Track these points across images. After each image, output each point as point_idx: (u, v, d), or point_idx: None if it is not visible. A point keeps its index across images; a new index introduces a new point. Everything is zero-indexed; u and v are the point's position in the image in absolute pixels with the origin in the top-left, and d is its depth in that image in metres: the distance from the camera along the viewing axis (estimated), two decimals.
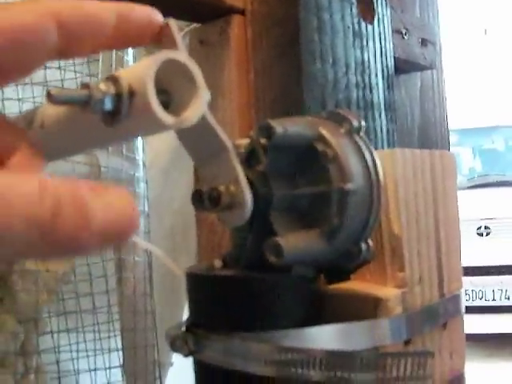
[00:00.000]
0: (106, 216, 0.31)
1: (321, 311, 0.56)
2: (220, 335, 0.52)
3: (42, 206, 0.29)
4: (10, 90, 1.23)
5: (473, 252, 4.85)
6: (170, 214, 1.41)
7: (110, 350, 1.31)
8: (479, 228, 5.33)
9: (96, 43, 0.39)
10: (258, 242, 0.51)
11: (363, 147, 0.52)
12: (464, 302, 0.70)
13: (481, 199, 5.50)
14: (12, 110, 1.23)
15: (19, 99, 1.23)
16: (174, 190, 1.39)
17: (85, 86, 0.39)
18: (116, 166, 1.28)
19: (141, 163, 1.34)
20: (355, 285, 0.59)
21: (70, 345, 1.29)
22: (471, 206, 5.13)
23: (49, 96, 0.39)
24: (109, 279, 1.31)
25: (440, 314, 0.64)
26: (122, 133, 0.42)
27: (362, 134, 0.53)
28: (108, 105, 0.39)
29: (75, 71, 1.32)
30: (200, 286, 0.55)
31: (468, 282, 4.82)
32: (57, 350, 1.26)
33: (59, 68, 1.31)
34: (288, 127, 0.49)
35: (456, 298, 0.67)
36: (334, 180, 0.50)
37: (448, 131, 1.19)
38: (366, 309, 0.57)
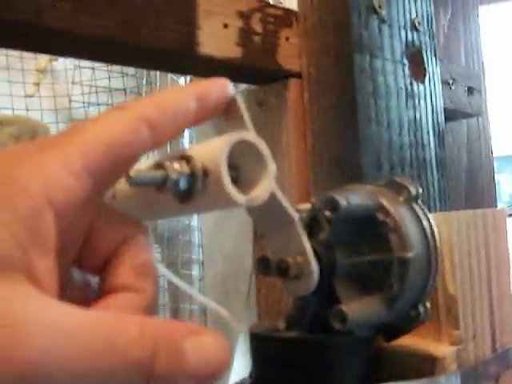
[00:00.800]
0: (201, 360, 0.32)
1: (380, 368, 0.58)
2: None
3: (143, 349, 0.30)
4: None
5: None
6: (221, 260, 1.43)
7: None
8: None
9: (181, 127, 0.40)
10: (321, 307, 0.53)
11: (421, 215, 0.54)
12: None
13: None
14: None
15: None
16: (225, 237, 1.41)
17: (159, 165, 0.41)
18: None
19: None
20: (412, 341, 0.60)
21: None
22: None
23: (128, 178, 0.41)
24: None
25: (492, 368, 0.65)
26: (193, 209, 0.44)
27: (419, 201, 0.55)
28: (183, 184, 0.41)
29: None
30: (265, 346, 0.57)
31: None
32: None
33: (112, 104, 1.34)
34: (351, 199, 0.51)
35: (508, 352, 0.69)
36: (394, 249, 0.52)
37: (494, 176, 1.20)
38: (423, 366, 0.59)
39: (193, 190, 0.41)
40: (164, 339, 0.31)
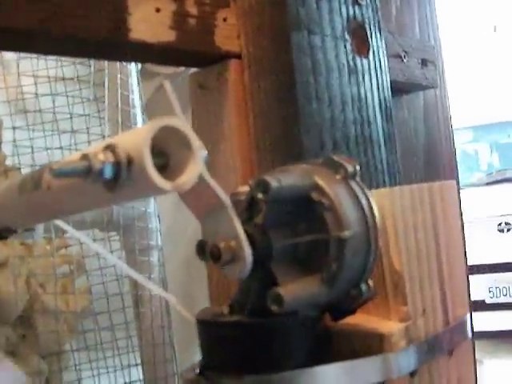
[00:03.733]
0: None
1: (328, 347, 0.57)
2: (231, 379, 0.54)
3: None
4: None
5: (495, 249, 4.81)
6: (183, 245, 1.42)
7: (131, 381, 1.33)
8: (500, 224, 5.26)
9: None
10: (261, 290, 0.53)
11: (359, 193, 0.54)
12: (469, 326, 0.71)
13: (500, 195, 5.44)
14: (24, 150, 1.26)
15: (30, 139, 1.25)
16: (186, 222, 1.40)
17: (84, 156, 0.41)
18: (127, 203, 1.30)
19: (151, 199, 1.36)
20: (359, 320, 0.60)
21: (93, 376, 1.31)
22: (491, 203, 5.10)
23: (51, 171, 0.40)
24: (127, 311, 1.33)
25: (445, 342, 0.65)
26: (122, 197, 0.44)
27: (357, 178, 0.54)
28: (108, 173, 0.41)
29: (81, 96, 1.35)
30: (209, 331, 0.57)
31: (492, 280, 4.77)
32: (81, 382, 1.28)
33: (66, 94, 1.34)
34: (283, 180, 0.51)
35: (462, 324, 0.69)
36: (330, 228, 0.52)
37: (454, 149, 1.20)
38: (371, 344, 0.59)
39: (118, 178, 0.41)
40: None
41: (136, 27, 0.66)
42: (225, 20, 0.74)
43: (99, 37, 0.64)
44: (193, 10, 0.71)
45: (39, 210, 0.57)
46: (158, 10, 0.68)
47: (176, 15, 0.69)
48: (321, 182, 0.53)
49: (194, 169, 0.43)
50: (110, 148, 0.41)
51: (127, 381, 1.33)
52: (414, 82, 1.04)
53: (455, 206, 0.71)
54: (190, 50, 0.72)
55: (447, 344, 0.66)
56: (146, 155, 0.40)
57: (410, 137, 1.08)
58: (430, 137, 1.13)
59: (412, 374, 0.60)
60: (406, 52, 1.00)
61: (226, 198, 0.49)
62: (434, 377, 0.63)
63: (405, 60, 1.00)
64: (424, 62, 1.05)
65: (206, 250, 0.52)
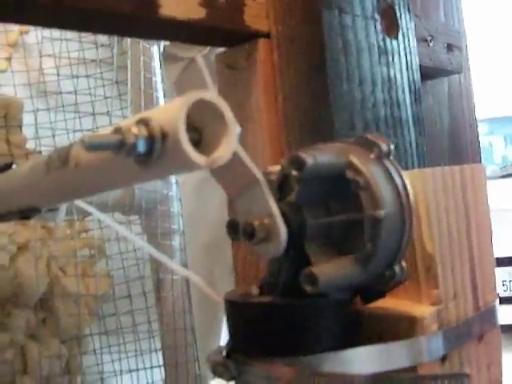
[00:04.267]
0: None
1: (358, 331, 0.57)
2: (260, 361, 0.53)
3: None
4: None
5: (509, 242, 4.78)
6: (204, 229, 1.42)
7: (152, 366, 1.33)
8: None
9: None
10: (293, 271, 0.52)
11: (393, 172, 0.53)
12: (498, 313, 0.70)
13: None
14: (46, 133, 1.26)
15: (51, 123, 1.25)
16: (206, 206, 1.40)
17: (117, 130, 0.40)
18: (149, 186, 1.29)
19: (173, 182, 1.36)
20: (390, 303, 0.59)
21: (112, 361, 1.31)
22: (505, 196, 5.07)
23: (82, 143, 0.40)
24: (147, 296, 1.33)
25: (475, 327, 0.65)
26: (154, 172, 0.43)
27: (391, 157, 0.53)
28: (141, 148, 0.40)
29: (103, 78, 1.34)
30: (238, 312, 0.56)
31: (505, 273, 4.75)
32: (100, 367, 1.28)
33: (87, 76, 1.33)
34: (318, 158, 0.50)
35: (491, 311, 0.68)
36: (365, 207, 0.51)
37: (478, 134, 1.19)
38: (402, 327, 0.58)
39: (152, 153, 0.40)
40: None
41: (166, 3, 0.65)
42: None
43: (128, 12, 0.63)
44: None
45: (66, 188, 0.57)
46: None
47: None
48: (356, 161, 0.52)
49: (229, 144, 0.42)
50: (144, 122, 0.41)
51: (147, 365, 1.33)
52: (440, 67, 1.02)
53: (484, 190, 0.70)
54: (220, 29, 0.71)
55: (477, 329, 0.65)
56: (181, 129, 0.39)
57: (434, 122, 1.07)
58: (454, 123, 1.12)
59: (443, 359, 0.59)
60: (431, 36, 0.99)
61: (260, 175, 0.48)
62: (463, 362, 0.62)
63: (431, 44, 0.99)
64: (449, 47, 1.04)
65: (237, 229, 0.51)
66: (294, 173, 0.50)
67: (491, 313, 0.68)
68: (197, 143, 0.42)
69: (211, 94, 0.42)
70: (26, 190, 0.63)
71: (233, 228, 0.53)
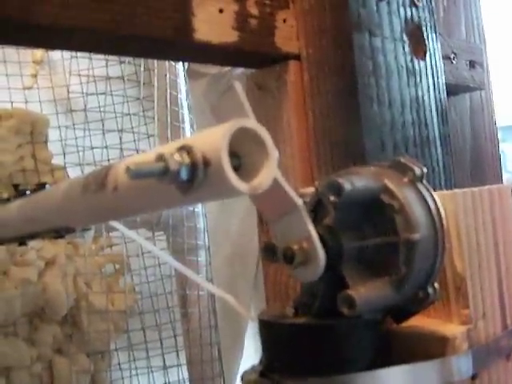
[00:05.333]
0: None
1: (390, 350, 0.57)
2: (294, 380, 0.54)
3: None
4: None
5: None
6: (227, 243, 1.43)
7: (179, 381, 1.34)
8: None
9: None
10: (329, 292, 0.53)
11: (426, 195, 0.54)
12: None
13: None
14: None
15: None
16: (230, 221, 1.41)
17: (160, 157, 0.41)
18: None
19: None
20: (421, 322, 0.60)
21: (137, 375, 1.31)
22: None
23: (128, 171, 0.40)
24: (174, 310, 1.33)
25: (504, 346, 0.65)
26: (195, 198, 0.44)
27: (424, 181, 0.54)
28: (184, 175, 0.40)
29: (127, 96, 1.35)
30: (274, 332, 0.57)
31: None
32: (126, 381, 1.29)
33: (111, 93, 1.34)
34: (355, 182, 0.51)
35: None
36: (400, 231, 0.52)
37: (499, 148, 1.19)
38: (433, 347, 0.58)
39: (194, 180, 0.41)
40: None
41: (200, 28, 0.66)
42: (284, 21, 0.74)
43: (164, 37, 0.65)
44: (254, 10, 0.71)
45: (103, 211, 0.57)
46: (221, 11, 0.68)
47: (238, 16, 0.69)
48: (390, 185, 0.53)
49: (270, 171, 0.42)
50: (185, 149, 0.41)
51: (171, 380, 1.33)
52: (462, 84, 1.03)
53: (510, 209, 0.71)
54: (251, 51, 0.72)
55: (505, 348, 0.65)
56: (224, 157, 0.39)
57: (456, 138, 1.08)
58: (475, 138, 1.12)
59: (473, 378, 0.60)
60: (454, 53, 1.00)
61: (299, 201, 0.49)
62: (492, 381, 0.63)
63: (454, 61, 0.99)
64: (472, 64, 1.05)
65: (275, 252, 0.52)
66: (332, 198, 0.51)
67: None
68: (236, 169, 0.42)
69: (253, 122, 0.42)
70: (61, 210, 0.63)
71: (270, 251, 0.53)
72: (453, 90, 1.02)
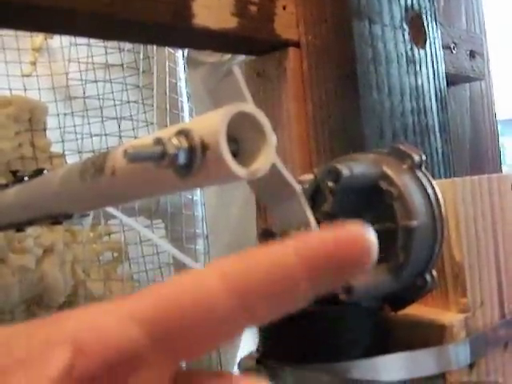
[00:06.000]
0: None
1: (388, 338, 0.57)
2: (291, 367, 0.54)
3: None
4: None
5: None
6: (226, 232, 1.42)
7: None
8: None
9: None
10: None
11: (425, 183, 0.53)
12: None
13: None
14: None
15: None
16: (228, 209, 1.40)
17: (158, 140, 0.41)
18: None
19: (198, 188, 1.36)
20: (419, 311, 0.60)
21: None
22: None
23: (125, 154, 0.40)
24: None
25: (501, 335, 0.65)
26: (193, 183, 0.43)
27: (423, 168, 0.54)
28: (182, 159, 0.40)
29: (126, 83, 1.34)
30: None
31: None
32: None
33: (111, 81, 1.34)
34: (354, 169, 0.51)
35: None
36: (399, 217, 0.52)
37: (498, 140, 1.19)
38: (431, 335, 0.58)
39: (192, 164, 0.40)
40: None
41: (199, 13, 0.66)
42: (284, 8, 0.74)
43: (163, 22, 0.64)
44: None
45: (100, 196, 0.57)
46: None
47: (238, 2, 0.69)
48: (389, 172, 0.53)
49: (268, 156, 0.42)
50: (184, 133, 0.41)
51: None
52: (463, 74, 1.03)
53: (510, 199, 0.70)
54: (251, 38, 0.72)
55: (503, 337, 0.65)
56: (223, 141, 0.39)
57: (456, 128, 1.08)
58: (475, 128, 1.12)
59: (471, 366, 0.60)
60: (455, 43, 0.99)
61: (297, 186, 0.49)
62: (490, 370, 0.63)
63: (454, 51, 0.99)
64: (472, 54, 1.05)
65: (272, 238, 0.52)
66: (330, 184, 0.51)
67: None
68: (234, 154, 0.42)
69: (251, 107, 0.42)
70: (58, 196, 0.63)
71: (267, 237, 0.53)
72: (453, 79, 1.02)
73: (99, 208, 0.72)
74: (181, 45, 1.08)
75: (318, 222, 0.50)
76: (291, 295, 0.30)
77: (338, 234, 0.29)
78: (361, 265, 0.28)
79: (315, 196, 0.55)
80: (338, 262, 0.29)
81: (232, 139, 0.42)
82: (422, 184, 0.53)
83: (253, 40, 0.73)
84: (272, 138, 0.42)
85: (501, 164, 1.21)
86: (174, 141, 0.40)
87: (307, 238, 0.30)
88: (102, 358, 0.29)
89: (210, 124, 0.40)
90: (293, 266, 0.29)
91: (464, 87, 1.12)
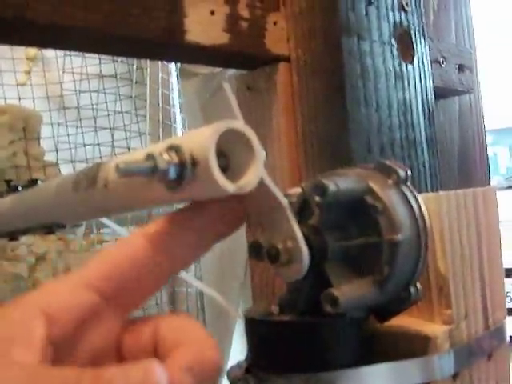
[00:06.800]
0: None
1: (373, 348, 0.58)
2: (279, 377, 0.55)
3: None
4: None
5: None
6: (217, 243, 1.43)
7: None
8: None
9: None
10: (313, 291, 0.54)
11: (410, 197, 0.55)
12: (507, 330, 0.72)
13: None
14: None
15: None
16: None
17: (149, 156, 0.42)
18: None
19: None
20: (404, 322, 0.61)
21: None
22: (511, 206, 5.05)
23: (117, 169, 0.41)
24: (163, 307, 1.34)
25: (485, 345, 0.66)
26: (183, 197, 0.45)
27: (408, 183, 0.55)
28: (172, 174, 0.41)
29: (119, 94, 1.35)
30: (260, 330, 0.58)
31: (509, 284, 4.73)
32: None
33: (104, 91, 1.35)
34: (340, 184, 0.52)
35: (500, 329, 0.69)
36: (384, 231, 0.53)
37: (487, 152, 1.21)
38: (415, 346, 0.60)
39: (182, 178, 0.41)
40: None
41: (192, 29, 0.67)
42: (275, 24, 0.75)
43: (156, 38, 0.65)
44: (245, 13, 0.72)
45: (93, 208, 0.58)
46: (212, 13, 0.69)
47: (229, 18, 0.70)
48: (375, 187, 0.54)
49: (256, 171, 0.43)
50: (174, 148, 0.42)
51: None
52: (451, 88, 1.04)
53: (496, 212, 0.72)
54: (242, 53, 0.73)
55: (487, 348, 0.67)
56: (212, 157, 0.40)
57: (444, 141, 1.09)
58: (463, 141, 1.14)
59: (454, 377, 0.61)
60: (444, 57, 1.01)
61: (284, 201, 0.50)
62: (474, 380, 0.64)
63: (443, 65, 1.01)
64: (461, 68, 1.06)
65: (261, 251, 0.53)
66: (317, 198, 0.52)
67: (500, 330, 0.69)
68: (224, 169, 0.43)
69: (240, 124, 0.43)
70: (52, 206, 0.64)
71: (255, 250, 0.54)
72: (442, 93, 1.03)
73: (92, 219, 0.73)
74: (173, 59, 1.09)
75: (305, 236, 0.51)
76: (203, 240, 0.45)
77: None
78: None
79: (302, 210, 0.56)
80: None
81: (221, 154, 0.43)
82: (406, 198, 0.54)
83: (244, 55, 0.74)
84: (261, 154, 0.43)
85: (489, 176, 1.22)
86: (165, 156, 0.41)
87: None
88: (69, 322, 0.37)
89: (200, 140, 0.41)
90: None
91: (453, 100, 1.13)
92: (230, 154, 0.44)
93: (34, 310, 0.36)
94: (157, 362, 0.35)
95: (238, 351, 1.43)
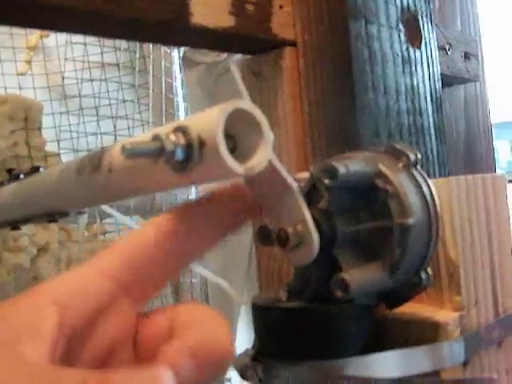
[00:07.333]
0: None
1: (382, 336, 0.58)
2: (287, 364, 0.54)
3: None
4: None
5: None
6: None
7: None
8: None
9: None
10: (323, 276, 0.53)
11: (421, 181, 0.54)
12: None
13: None
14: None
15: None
16: None
17: (155, 137, 0.41)
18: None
19: (193, 186, 1.36)
20: (414, 308, 0.60)
21: None
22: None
23: (122, 150, 0.40)
24: (167, 297, 1.33)
25: (495, 333, 0.66)
26: (190, 180, 0.44)
27: (418, 167, 0.55)
28: (179, 155, 0.40)
29: (121, 82, 1.34)
30: (267, 316, 0.57)
31: None
32: None
33: (106, 80, 1.34)
34: (350, 167, 0.51)
35: (510, 317, 0.69)
36: (394, 215, 0.52)
37: (492, 140, 1.20)
38: (425, 332, 0.59)
39: (189, 160, 0.40)
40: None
41: (197, 12, 0.66)
42: (281, 7, 0.75)
43: (161, 20, 0.65)
44: None
45: (97, 193, 0.57)
46: None
47: (235, 1, 0.70)
48: (385, 170, 0.53)
49: (265, 153, 0.42)
50: (181, 129, 0.41)
51: None
52: (457, 75, 1.04)
53: (505, 199, 0.71)
54: (248, 37, 0.72)
55: (497, 335, 0.66)
56: (220, 138, 0.39)
57: (450, 129, 1.08)
58: (469, 129, 1.13)
59: (464, 364, 0.60)
60: (450, 44, 1.00)
61: (294, 184, 0.49)
62: (484, 367, 0.63)
63: (449, 53, 1.00)
64: (467, 55, 1.05)
65: (269, 235, 0.52)
66: (327, 181, 0.51)
67: (510, 318, 0.68)
68: (232, 151, 0.42)
69: (248, 103, 0.42)
70: (55, 194, 0.63)
71: (264, 234, 0.53)
72: (447, 81, 1.02)
73: (95, 205, 0.72)
74: (178, 43, 1.09)
75: (315, 220, 0.50)
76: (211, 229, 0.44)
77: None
78: None
79: (311, 193, 0.55)
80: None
81: (229, 136, 0.42)
82: (417, 182, 0.54)
83: (249, 39, 0.74)
84: (269, 135, 0.42)
85: (495, 164, 1.21)
86: (172, 137, 0.41)
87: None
88: (84, 310, 0.37)
89: (208, 121, 0.41)
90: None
91: (459, 88, 1.12)
92: (237, 136, 0.43)
93: (45, 299, 0.36)
94: (165, 369, 0.34)
95: (241, 342, 1.43)
